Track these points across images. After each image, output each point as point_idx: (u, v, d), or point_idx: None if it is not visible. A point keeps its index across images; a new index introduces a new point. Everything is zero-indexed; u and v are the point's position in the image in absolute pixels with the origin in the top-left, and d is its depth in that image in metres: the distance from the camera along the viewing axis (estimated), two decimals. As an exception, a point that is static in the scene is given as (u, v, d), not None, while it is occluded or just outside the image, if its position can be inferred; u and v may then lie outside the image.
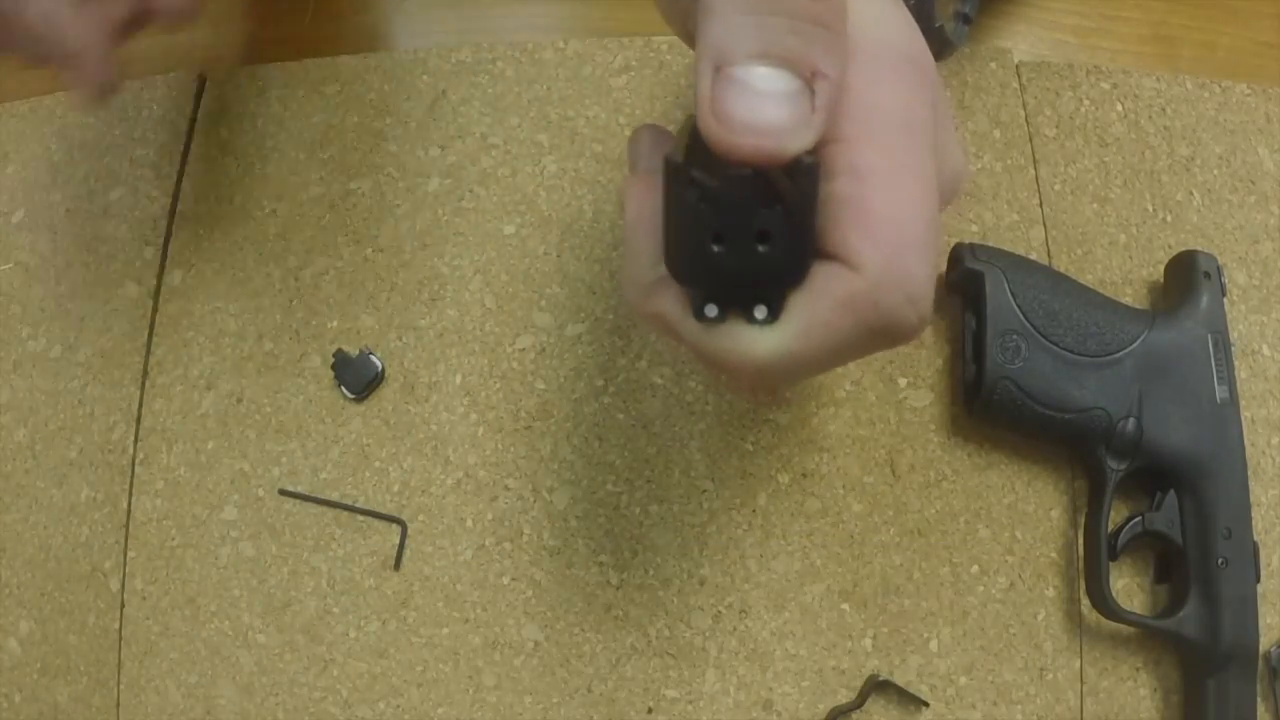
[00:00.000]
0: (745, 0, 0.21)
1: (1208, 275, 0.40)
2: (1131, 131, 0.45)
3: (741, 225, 0.22)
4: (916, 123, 0.23)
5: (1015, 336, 0.38)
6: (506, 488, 0.41)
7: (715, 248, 0.22)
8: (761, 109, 0.21)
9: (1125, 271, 0.43)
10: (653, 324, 0.25)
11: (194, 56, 0.48)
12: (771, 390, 0.28)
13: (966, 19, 0.41)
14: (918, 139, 0.23)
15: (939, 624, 0.40)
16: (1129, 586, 0.40)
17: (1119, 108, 0.45)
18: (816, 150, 0.22)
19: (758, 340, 0.23)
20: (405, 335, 0.43)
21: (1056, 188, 0.44)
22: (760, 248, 0.22)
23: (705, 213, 0.22)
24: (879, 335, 0.23)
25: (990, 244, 0.40)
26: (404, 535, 0.41)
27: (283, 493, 0.42)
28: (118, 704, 0.40)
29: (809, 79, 0.21)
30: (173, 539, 0.42)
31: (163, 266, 0.45)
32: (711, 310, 0.23)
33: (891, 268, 0.22)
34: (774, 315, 0.23)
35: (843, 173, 0.22)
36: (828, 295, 0.22)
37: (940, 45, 0.40)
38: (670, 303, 0.24)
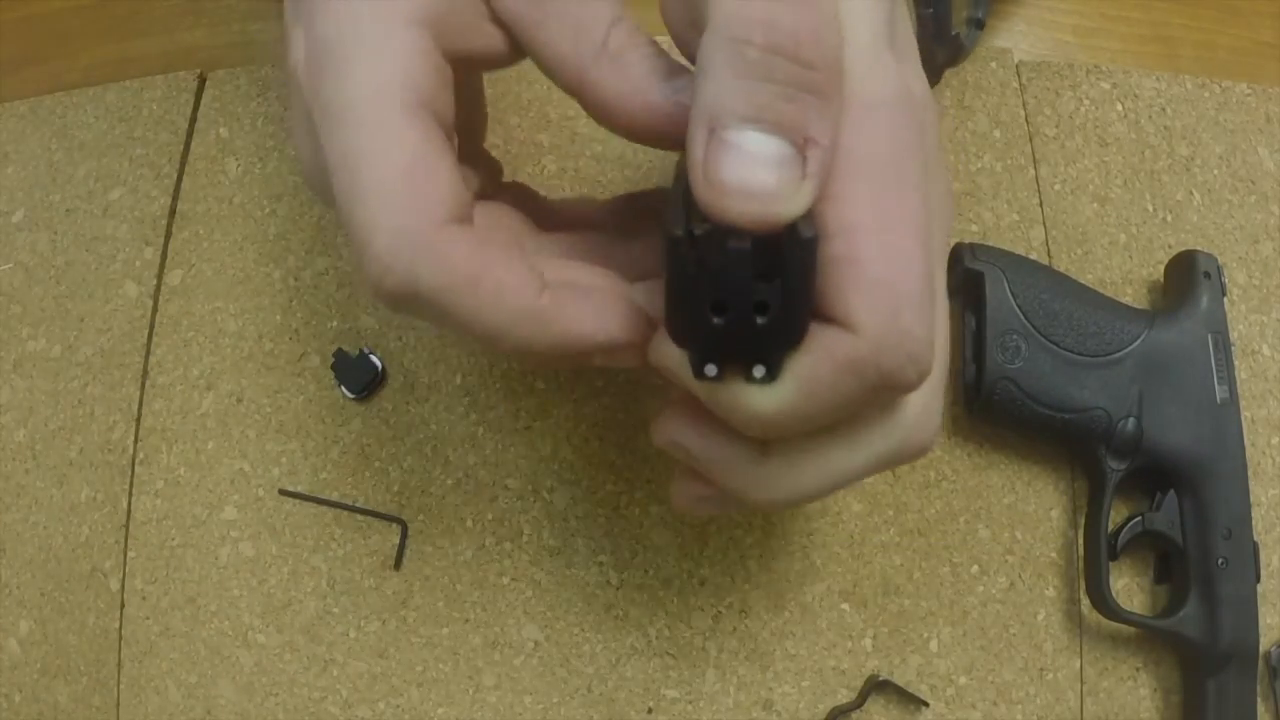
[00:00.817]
0: (741, 64, 0.21)
1: (1208, 275, 0.40)
2: (1131, 131, 0.45)
3: (740, 298, 0.22)
4: (907, 169, 0.23)
5: (1015, 336, 0.38)
6: (506, 488, 0.41)
7: (714, 318, 0.22)
8: (752, 173, 0.21)
9: (1125, 271, 0.43)
10: (659, 373, 0.25)
11: (194, 56, 0.48)
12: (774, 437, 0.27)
13: (979, 24, 0.42)
14: (908, 187, 0.23)
15: (939, 624, 0.40)
16: (1129, 586, 0.40)
17: (1119, 108, 0.45)
18: (810, 217, 0.22)
19: (760, 398, 0.23)
20: (405, 335, 0.43)
21: (1056, 188, 0.44)
22: (759, 319, 0.22)
23: (704, 285, 0.22)
24: (881, 392, 0.23)
25: (990, 244, 0.40)
26: (404, 535, 0.41)
27: (283, 493, 0.42)
28: (118, 704, 0.40)
29: (801, 145, 0.21)
30: (173, 539, 0.42)
31: (163, 266, 0.45)
32: (711, 370, 0.23)
33: (890, 329, 0.22)
34: (772, 375, 0.23)
35: (835, 232, 0.22)
36: (828, 358, 0.23)
37: (954, 51, 0.41)
38: (672, 356, 0.24)
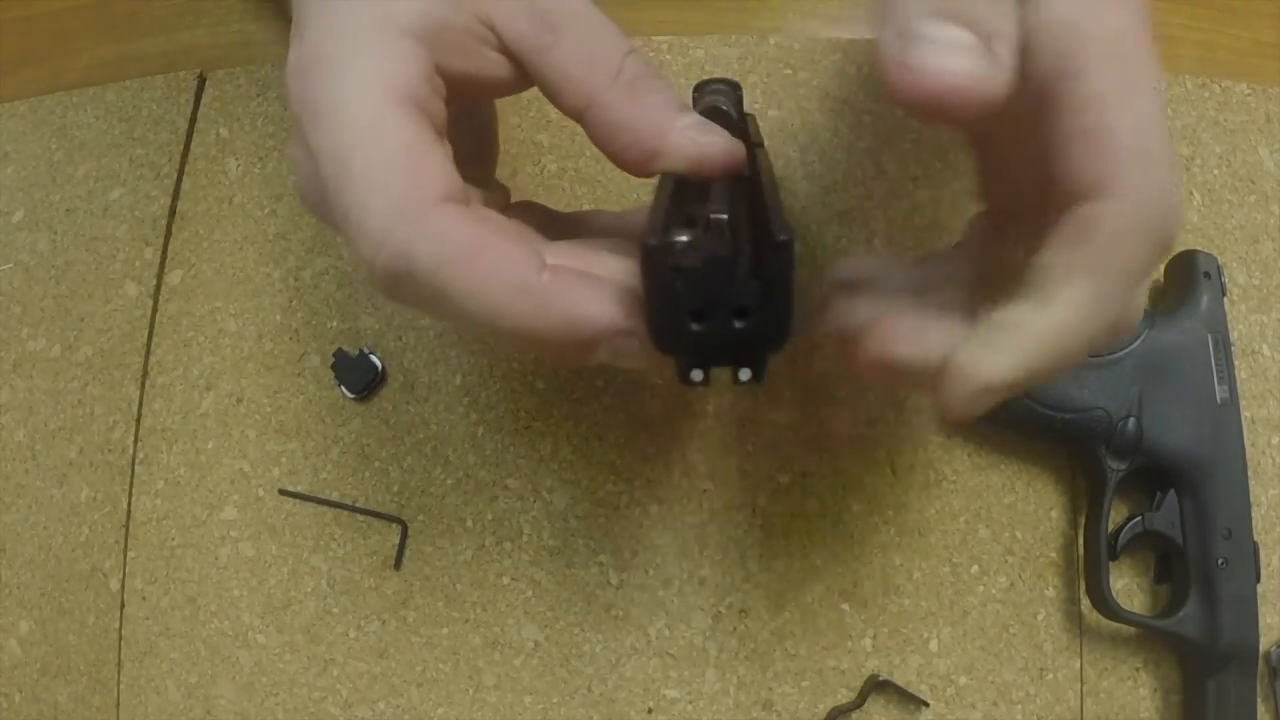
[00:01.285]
0: None
1: (1208, 275, 0.40)
2: (1131, 131, 0.45)
3: (719, 303, 0.22)
4: (1136, 44, 0.24)
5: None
6: (506, 488, 0.41)
7: (694, 325, 0.22)
8: (948, 57, 0.22)
9: (1125, 271, 0.43)
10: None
11: (194, 56, 0.48)
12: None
13: None
14: (1141, 58, 0.24)
15: (939, 624, 0.40)
16: (1129, 586, 0.40)
17: (1119, 108, 0.45)
18: (784, 220, 0.22)
19: (1045, 316, 0.24)
20: (405, 335, 0.43)
21: (1056, 188, 0.44)
22: (738, 323, 0.22)
23: (683, 292, 0.22)
24: (1156, 251, 0.24)
25: (990, 244, 0.40)
26: (404, 535, 0.41)
27: (283, 493, 0.42)
28: (118, 704, 0.40)
29: (985, 38, 0.22)
30: (173, 539, 0.42)
31: (163, 266, 0.45)
32: (697, 375, 0.23)
33: (1151, 182, 0.23)
34: (759, 377, 0.23)
35: (1079, 107, 0.23)
36: (1102, 231, 0.23)
37: None
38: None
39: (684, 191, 0.26)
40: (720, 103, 0.32)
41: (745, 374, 0.23)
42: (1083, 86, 0.23)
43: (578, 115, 0.27)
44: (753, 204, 0.25)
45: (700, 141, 0.26)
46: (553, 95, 0.27)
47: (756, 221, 0.24)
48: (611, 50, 0.27)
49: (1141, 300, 0.27)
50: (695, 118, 0.27)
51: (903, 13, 0.23)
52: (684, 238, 0.22)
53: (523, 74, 0.28)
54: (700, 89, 0.37)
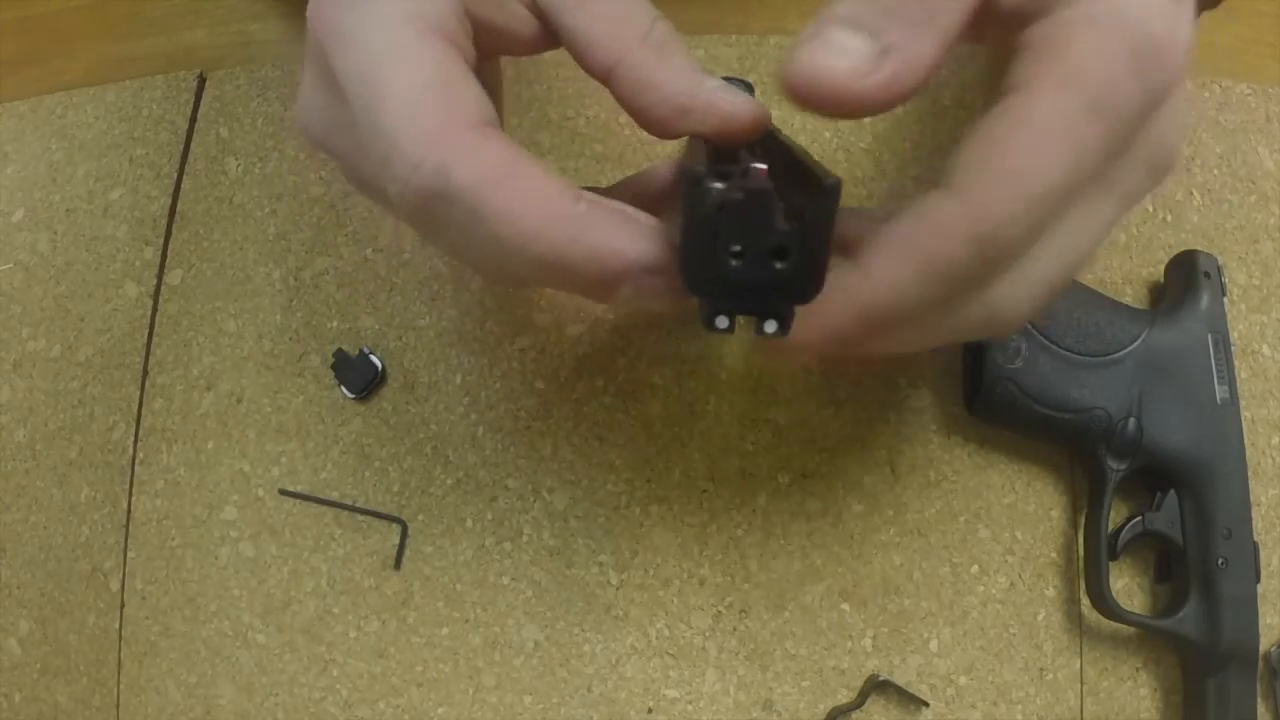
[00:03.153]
0: None
1: (1208, 275, 0.40)
2: (1131, 131, 0.45)
3: (759, 240, 0.22)
4: (1114, 101, 0.23)
5: (1015, 337, 0.38)
6: (506, 488, 0.41)
7: (732, 261, 0.22)
8: (825, 56, 0.23)
9: (1125, 271, 0.43)
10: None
11: (194, 56, 0.48)
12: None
13: None
14: (1106, 118, 0.23)
15: (939, 624, 0.40)
16: (1129, 586, 0.40)
17: (1119, 108, 0.45)
18: (825, 172, 0.22)
19: (1018, 126, 0.23)
20: (405, 335, 0.43)
21: (1056, 188, 0.44)
22: (777, 264, 0.22)
23: (723, 225, 0.22)
24: (1138, 81, 0.23)
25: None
26: (404, 535, 0.41)
27: (283, 493, 0.42)
28: (118, 704, 0.40)
29: (883, 50, 0.23)
30: (173, 539, 0.42)
31: (163, 266, 0.45)
32: (722, 321, 0.23)
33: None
34: (784, 330, 0.23)
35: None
36: (1068, 45, 0.23)
37: None
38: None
39: (717, 155, 0.25)
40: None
41: (771, 326, 0.23)
42: (1023, 98, 0.23)
43: (605, 73, 0.27)
44: (786, 161, 0.25)
45: (730, 99, 0.26)
46: (579, 53, 0.27)
47: (791, 175, 0.24)
48: (640, 11, 0.27)
49: (1137, 179, 0.25)
50: (721, 81, 0.27)
51: (822, 18, 0.24)
52: (731, 170, 0.22)
53: (545, 34, 0.27)
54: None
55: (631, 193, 0.30)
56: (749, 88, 0.36)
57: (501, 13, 0.27)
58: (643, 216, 0.25)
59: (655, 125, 0.27)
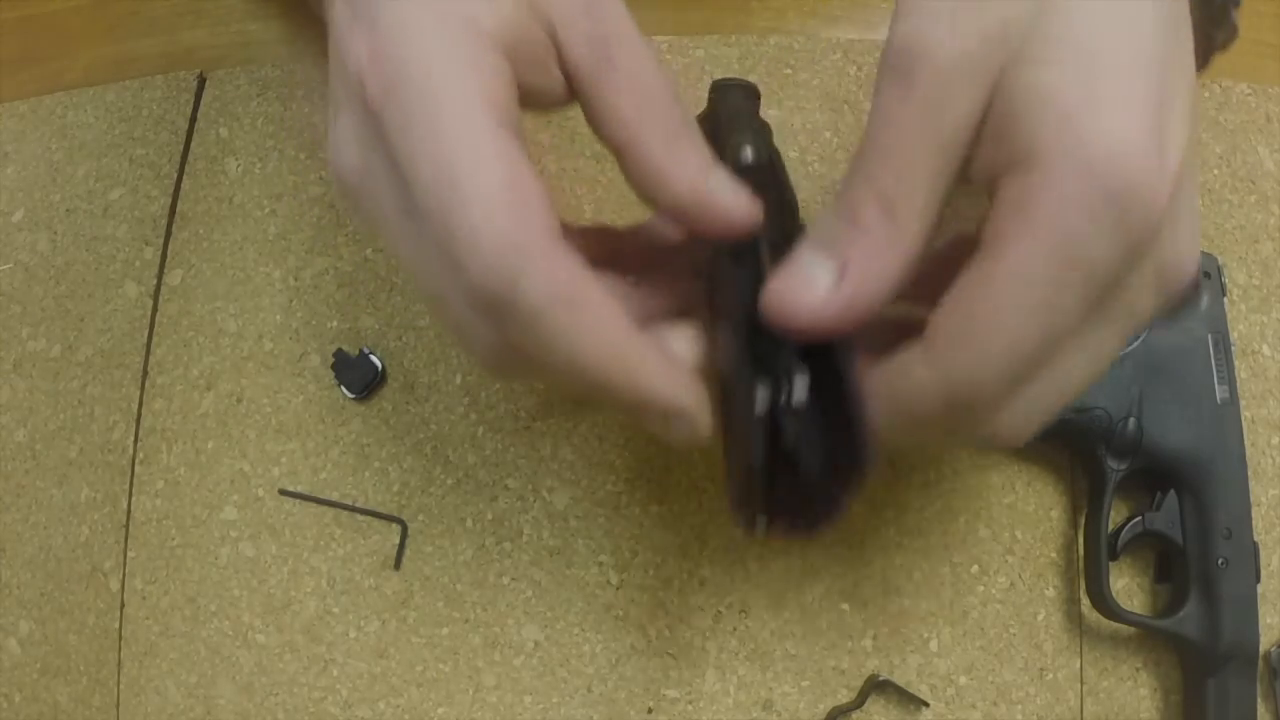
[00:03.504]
0: (836, 200, 0.26)
1: (1208, 275, 0.40)
2: (1131, 131, 0.45)
3: (801, 467, 0.24)
4: (1086, 255, 0.22)
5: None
6: (506, 488, 0.41)
7: (774, 489, 0.24)
8: (789, 279, 0.25)
9: (1125, 271, 0.43)
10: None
11: (194, 56, 0.48)
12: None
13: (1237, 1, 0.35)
14: (1080, 272, 0.23)
15: (939, 624, 0.40)
16: (1129, 586, 0.40)
17: (1119, 108, 0.45)
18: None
19: (986, 279, 0.23)
20: (405, 335, 0.43)
21: (1056, 188, 0.44)
22: (813, 483, 0.24)
23: (774, 462, 0.24)
24: (1111, 231, 0.22)
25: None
26: (404, 535, 0.41)
27: (283, 493, 0.42)
28: (118, 704, 0.40)
29: (840, 268, 0.24)
30: (173, 539, 0.42)
31: (163, 266, 0.45)
32: (762, 523, 0.25)
33: (1091, 144, 0.22)
34: (811, 535, 0.25)
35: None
36: (1036, 199, 0.23)
37: (1230, 34, 0.35)
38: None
39: (756, 327, 0.26)
40: (746, 153, 0.32)
41: (799, 529, 0.25)
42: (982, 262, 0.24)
43: (615, 150, 0.28)
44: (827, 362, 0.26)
45: (728, 203, 0.27)
46: (595, 124, 0.28)
47: (828, 381, 0.25)
48: (661, 93, 0.27)
49: (1131, 321, 0.25)
50: (725, 177, 0.27)
51: (810, 235, 0.26)
52: (779, 401, 0.24)
53: (569, 93, 0.28)
54: (718, 91, 0.37)
55: (643, 241, 0.32)
56: (754, 89, 0.36)
57: (544, 78, 0.27)
58: (686, 352, 0.27)
59: (654, 207, 0.28)
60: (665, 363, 0.26)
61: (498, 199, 0.23)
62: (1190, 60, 0.25)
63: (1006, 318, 0.23)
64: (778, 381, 0.25)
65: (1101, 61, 0.23)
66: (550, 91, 0.27)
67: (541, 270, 0.23)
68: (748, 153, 0.32)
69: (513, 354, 0.25)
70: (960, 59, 0.24)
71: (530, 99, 0.27)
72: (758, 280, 0.26)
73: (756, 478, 0.24)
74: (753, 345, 0.26)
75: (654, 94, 0.27)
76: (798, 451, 0.24)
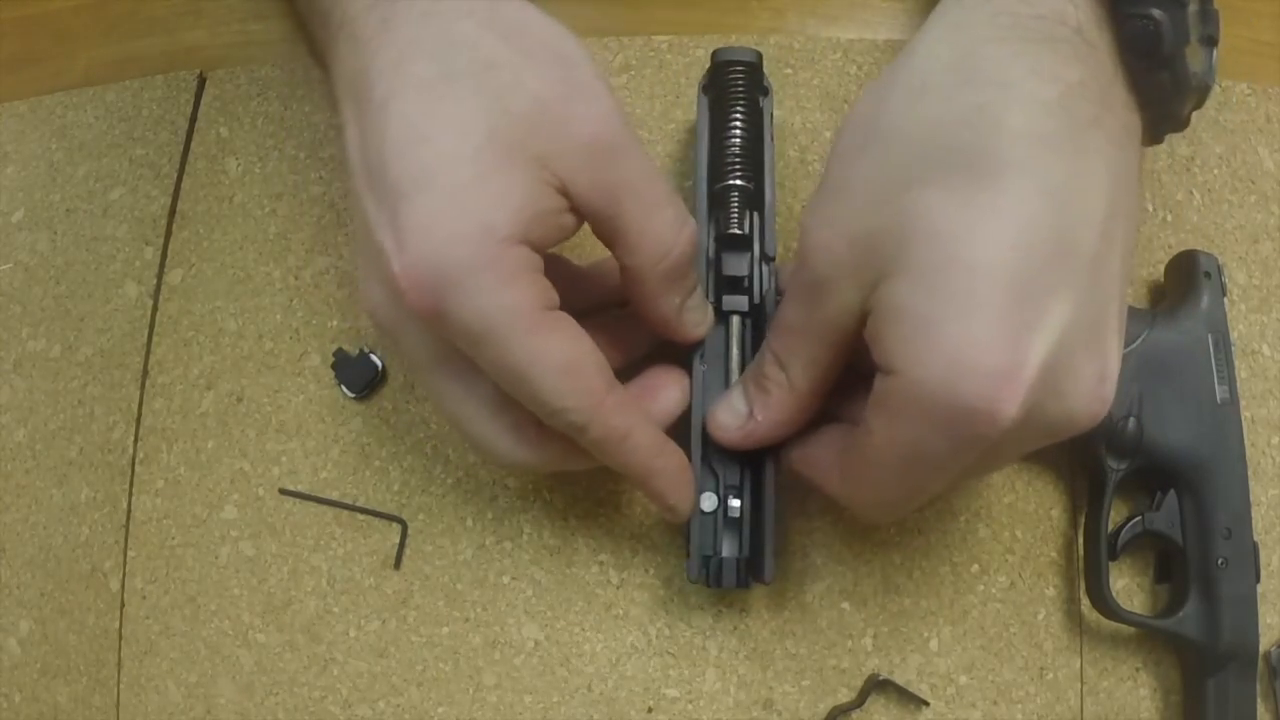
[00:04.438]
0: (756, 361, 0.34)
1: (1208, 275, 0.40)
2: (1131, 131, 0.45)
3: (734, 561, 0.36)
4: (924, 453, 0.28)
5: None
6: (506, 487, 0.41)
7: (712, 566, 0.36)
8: (717, 412, 0.35)
9: (1125, 271, 0.43)
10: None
11: (194, 56, 0.48)
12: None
13: (1213, 41, 0.30)
14: (921, 464, 0.29)
15: (939, 623, 0.40)
16: (1129, 586, 0.40)
17: (1119, 107, 0.45)
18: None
19: (859, 436, 0.30)
20: (405, 335, 0.43)
21: (1056, 187, 0.44)
22: (738, 567, 0.36)
23: (716, 566, 0.36)
24: (944, 428, 0.27)
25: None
26: (404, 534, 0.41)
27: (283, 492, 0.42)
28: (118, 704, 0.40)
29: (748, 411, 0.34)
30: (173, 539, 0.42)
31: (163, 266, 0.45)
32: (711, 580, 0.36)
33: (934, 363, 0.26)
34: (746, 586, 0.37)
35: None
36: (889, 398, 0.28)
37: (1201, 91, 0.30)
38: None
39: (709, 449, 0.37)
40: (732, 224, 0.38)
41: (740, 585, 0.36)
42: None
43: (625, 284, 0.33)
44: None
45: (692, 326, 0.35)
46: (614, 253, 0.32)
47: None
48: (665, 231, 0.32)
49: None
50: (695, 316, 0.35)
51: (739, 380, 0.36)
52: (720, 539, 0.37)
53: (578, 225, 0.32)
54: (718, 72, 0.39)
55: (601, 274, 0.37)
56: (754, 63, 0.39)
57: (557, 231, 0.30)
58: (659, 420, 0.35)
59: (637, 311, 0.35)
60: (680, 468, 0.34)
61: (564, 385, 0.29)
62: (1090, 219, 0.27)
63: (874, 475, 0.30)
64: (723, 494, 0.36)
65: (954, 276, 0.26)
66: (566, 233, 0.31)
67: (605, 418, 0.31)
68: (733, 224, 0.38)
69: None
70: (832, 262, 0.29)
71: (547, 245, 0.30)
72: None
73: (696, 551, 0.36)
74: (705, 452, 0.36)
75: (658, 233, 0.31)
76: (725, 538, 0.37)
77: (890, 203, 0.27)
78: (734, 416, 0.34)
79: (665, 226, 0.31)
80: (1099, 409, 0.28)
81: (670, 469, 0.34)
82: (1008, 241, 0.25)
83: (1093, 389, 0.27)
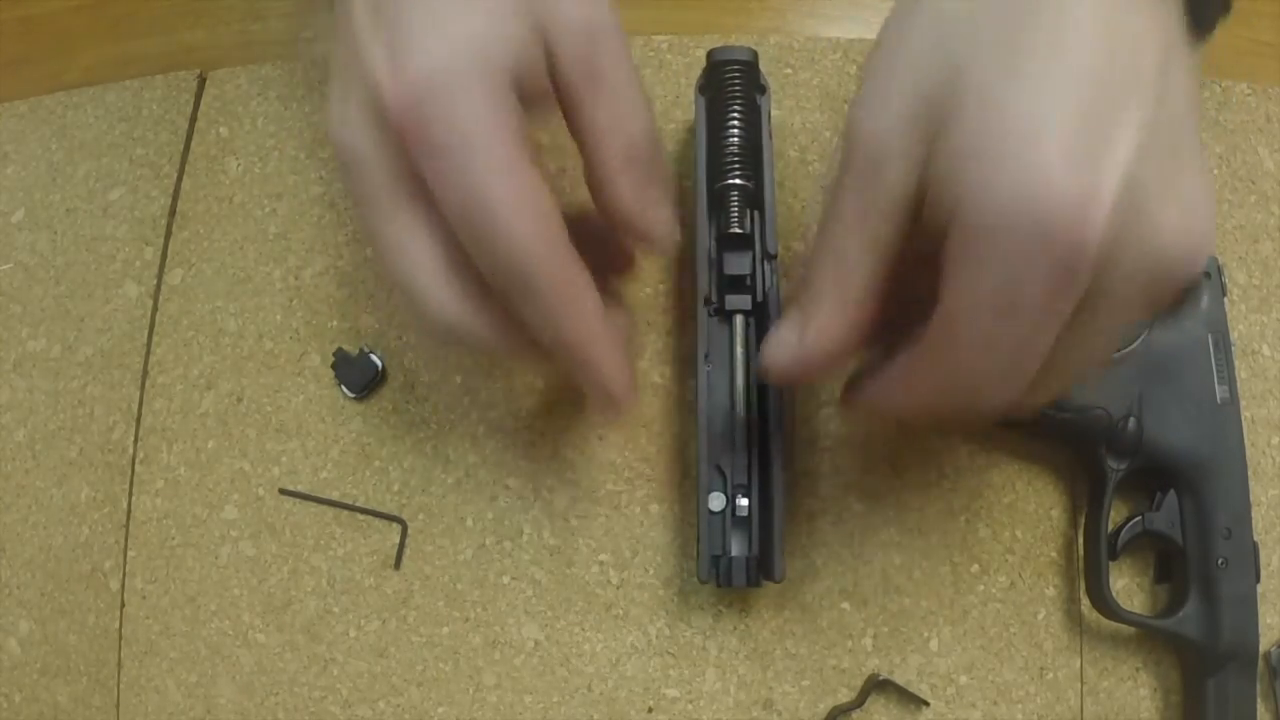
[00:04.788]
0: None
1: (1208, 275, 0.40)
2: (1131, 131, 0.45)
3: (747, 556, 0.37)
4: (1020, 298, 0.25)
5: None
6: (506, 487, 0.41)
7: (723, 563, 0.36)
8: (768, 345, 0.31)
9: (1125, 271, 0.43)
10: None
11: (194, 56, 0.48)
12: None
13: None
14: (1019, 315, 0.25)
15: (939, 623, 0.40)
16: (1129, 586, 0.40)
17: (1119, 107, 0.45)
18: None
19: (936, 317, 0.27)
20: (405, 335, 0.43)
21: (1056, 187, 0.44)
22: (749, 565, 0.36)
23: (726, 562, 0.36)
24: (1038, 258, 0.24)
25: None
26: (404, 534, 0.41)
27: (283, 492, 0.42)
28: (118, 704, 0.40)
29: (802, 328, 0.30)
30: (173, 539, 0.42)
31: (163, 266, 0.45)
32: (720, 579, 0.36)
33: (1010, 176, 0.24)
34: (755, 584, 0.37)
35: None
36: (964, 231, 0.25)
37: (1223, 6, 0.34)
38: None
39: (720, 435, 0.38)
40: (734, 224, 0.38)
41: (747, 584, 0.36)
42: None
43: (582, 155, 0.32)
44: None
45: (656, 224, 0.33)
46: (572, 129, 0.32)
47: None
48: (635, 120, 0.31)
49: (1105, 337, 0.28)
50: (664, 215, 0.33)
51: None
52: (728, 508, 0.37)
53: (553, 101, 0.31)
54: (714, 72, 0.39)
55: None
56: (749, 62, 0.39)
57: (535, 87, 0.30)
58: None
59: (598, 208, 0.33)
60: (620, 351, 0.32)
61: (525, 218, 0.28)
62: (1148, 46, 0.25)
63: (964, 355, 0.27)
64: (731, 493, 0.37)
65: (1017, 104, 0.24)
66: (537, 98, 0.30)
67: (551, 271, 0.29)
68: (734, 224, 0.38)
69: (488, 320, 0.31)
70: (883, 141, 0.27)
71: (524, 100, 0.29)
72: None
73: (705, 551, 0.36)
74: (712, 452, 0.37)
75: (628, 118, 0.31)
76: (733, 537, 0.37)
77: (943, 58, 0.26)
78: (785, 347, 0.31)
79: (628, 103, 0.32)
80: (1191, 244, 0.26)
81: (612, 348, 0.32)
82: (1067, 68, 0.25)
83: (1180, 220, 0.25)
